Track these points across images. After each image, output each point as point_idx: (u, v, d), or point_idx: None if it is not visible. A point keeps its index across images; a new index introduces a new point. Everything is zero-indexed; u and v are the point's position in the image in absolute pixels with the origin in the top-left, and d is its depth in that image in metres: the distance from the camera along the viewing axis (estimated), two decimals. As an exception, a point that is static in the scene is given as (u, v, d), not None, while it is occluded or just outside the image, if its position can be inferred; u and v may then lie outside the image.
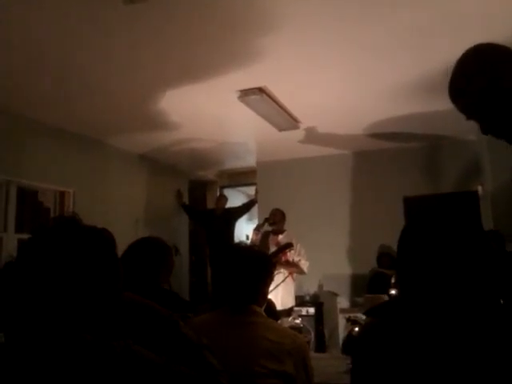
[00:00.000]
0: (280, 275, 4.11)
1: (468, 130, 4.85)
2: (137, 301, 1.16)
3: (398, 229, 1.04)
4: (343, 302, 5.43)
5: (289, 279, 4.38)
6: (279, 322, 2.64)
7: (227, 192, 7.00)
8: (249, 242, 5.28)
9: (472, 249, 0.95)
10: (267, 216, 4.76)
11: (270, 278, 1.81)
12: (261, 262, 1.75)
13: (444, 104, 4.04)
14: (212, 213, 6.17)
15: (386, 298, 3.15)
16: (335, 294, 5.45)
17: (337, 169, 5.84)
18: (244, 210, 6.23)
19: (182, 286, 6.25)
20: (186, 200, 6.53)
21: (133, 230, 5.04)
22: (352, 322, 3.14)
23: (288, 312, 4.11)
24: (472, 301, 0.93)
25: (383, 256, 5.16)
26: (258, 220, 5.93)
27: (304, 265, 4.47)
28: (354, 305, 5.21)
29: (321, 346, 4.72)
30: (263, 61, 3.12)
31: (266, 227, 4.75)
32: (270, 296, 1.86)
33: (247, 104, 3.84)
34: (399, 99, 3.98)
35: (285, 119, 4.31)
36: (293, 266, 4.43)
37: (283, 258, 4.39)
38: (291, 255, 4.44)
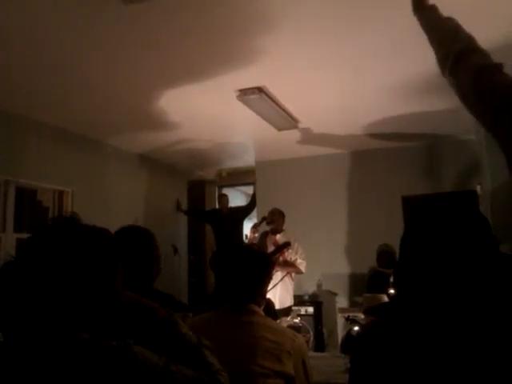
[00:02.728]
0: (278, 274, 4.12)
1: (467, 129, 4.86)
2: (136, 300, 1.16)
3: (397, 228, 1.04)
4: (342, 302, 5.44)
5: (287, 278, 4.38)
6: (278, 321, 2.64)
7: (226, 191, 7.03)
8: (247, 241, 5.29)
9: (473, 248, 0.95)
10: (266, 215, 4.77)
11: (269, 278, 1.81)
12: (260, 262, 1.75)
13: (443, 103, 4.05)
14: (219, 212, 6.22)
15: (384, 297, 3.15)
16: (334, 294, 5.45)
17: (336, 168, 5.84)
18: (251, 207, 6.29)
19: (180, 286, 6.25)
20: (184, 203, 6.60)
21: (131, 229, 5.03)
22: (351, 321, 3.14)
23: (287, 311, 4.11)
24: (471, 301, 0.93)
25: (383, 255, 5.16)
26: (257, 219, 5.93)
27: (301, 264, 4.47)
28: (353, 304, 5.21)
29: (320, 345, 4.73)
30: (262, 61, 3.12)
31: (264, 226, 4.75)
32: (268, 295, 1.86)
33: (246, 104, 3.83)
34: (398, 99, 3.99)
35: (284, 119, 4.30)
36: (290, 266, 4.44)
37: (281, 258, 4.39)
38: (289, 254, 4.44)
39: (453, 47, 1.29)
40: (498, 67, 1.20)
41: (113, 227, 1.17)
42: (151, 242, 1.88)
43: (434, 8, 1.45)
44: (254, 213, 6.30)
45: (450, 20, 1.38)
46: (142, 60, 3.08)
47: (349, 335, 2.99)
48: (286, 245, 4.17)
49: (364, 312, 1.61)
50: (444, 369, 0.90)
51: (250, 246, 2.05)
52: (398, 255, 1.06)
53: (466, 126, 4.75)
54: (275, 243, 4.48)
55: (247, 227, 6.60)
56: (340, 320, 4.79)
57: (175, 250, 5.95)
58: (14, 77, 3.26)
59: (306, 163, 6.00)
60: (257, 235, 4.70)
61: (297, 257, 4.46)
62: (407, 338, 0.95)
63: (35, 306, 0.91)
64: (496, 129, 1.15)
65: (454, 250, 0.95)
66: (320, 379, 2.11)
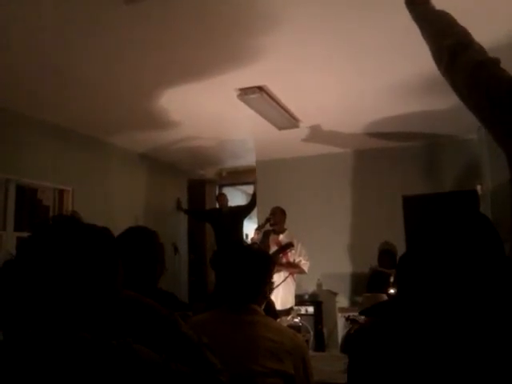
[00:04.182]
0: (280, 275, 4.11)
1: (468, 129, 4.85)
2: (136, 299, 1.16)
3: (398, 227, 1.04)
4: (342, 301, 5.43)
5: (290, 279, 4.37)
6: (278, 320, 2.64)
7: (226, 191, 7.03)
8: (249, 241, 5.29)
9: (475, 249, 0.94)
10: (267, 215, 4.76)
11: (270, 277, 1.80)
12: (261, 261, 1.75)
13: (443, 103, 4.05)
14: (219, 211, 6.21)
15: (384, 296, 3.15)
16: (334, 293, 5.45)
17: (336, 167, 5.84)
18: (251, 206, 6.28)
19: (181, 285, 6.25)
20: (184, 202, 6.59)
21: (132, 228, 5.03)
22: (351, 321, 3.15)
23: (288, 312, 4.11)
24: (472, 302, 0.93)
25: (384, 254, 5.14)
26: (258, 218, 5.93)
27: (304, 265, 4.46)
28: (353, 304, 5.21)
29: (320, 345, 4.73)
30: (263, 60, 3.12)
31: (267, 227, 4.75)
32: (269, 295, 1.86)
33: (247, 103, 3.83)
34: (399, 98, 3.98)
35: (284, 118, 4.30)
36: (293, 267, 4.43)
37: (284, 259, 4.39)
38: (292, 255, 4.44)
39: (447, 42, 1.28)
40: (495, 62, 1.20)
41: (113, 226, 1.17)
42: (155, 241, 1.90)
43: (427, 1, 1.44)
44: (254, 212, 6.30)
45: (444, 13, 1.37)
46: (143, 59, 3.07)
47: (349, 335, 3.00)
48: (289, 245, 4.17)
49: (360, 313, 1.61)
50: (442, 368, 0.89)
51: (251, 245, 2.05)
52: (399, 255, 1.06)
53: (467, 126, 4.74)
54: (278, 243, 4.48)
55: (247, 226, 6.61)
56: (340, 320, 4.79)
57: (175, 249, 5.95)
58: (15, 76, 3.26)
59: (306, 162, 5.99)
60: (260, 236, 4.70)
61: (300, 258, 4.46)
62: (405, 336, 0.95)
63: (35, 305, 0.91)
64: (492, 122, 1.15)
65: (456, 250, 0.95)
66: (320, 379, 2.11)
